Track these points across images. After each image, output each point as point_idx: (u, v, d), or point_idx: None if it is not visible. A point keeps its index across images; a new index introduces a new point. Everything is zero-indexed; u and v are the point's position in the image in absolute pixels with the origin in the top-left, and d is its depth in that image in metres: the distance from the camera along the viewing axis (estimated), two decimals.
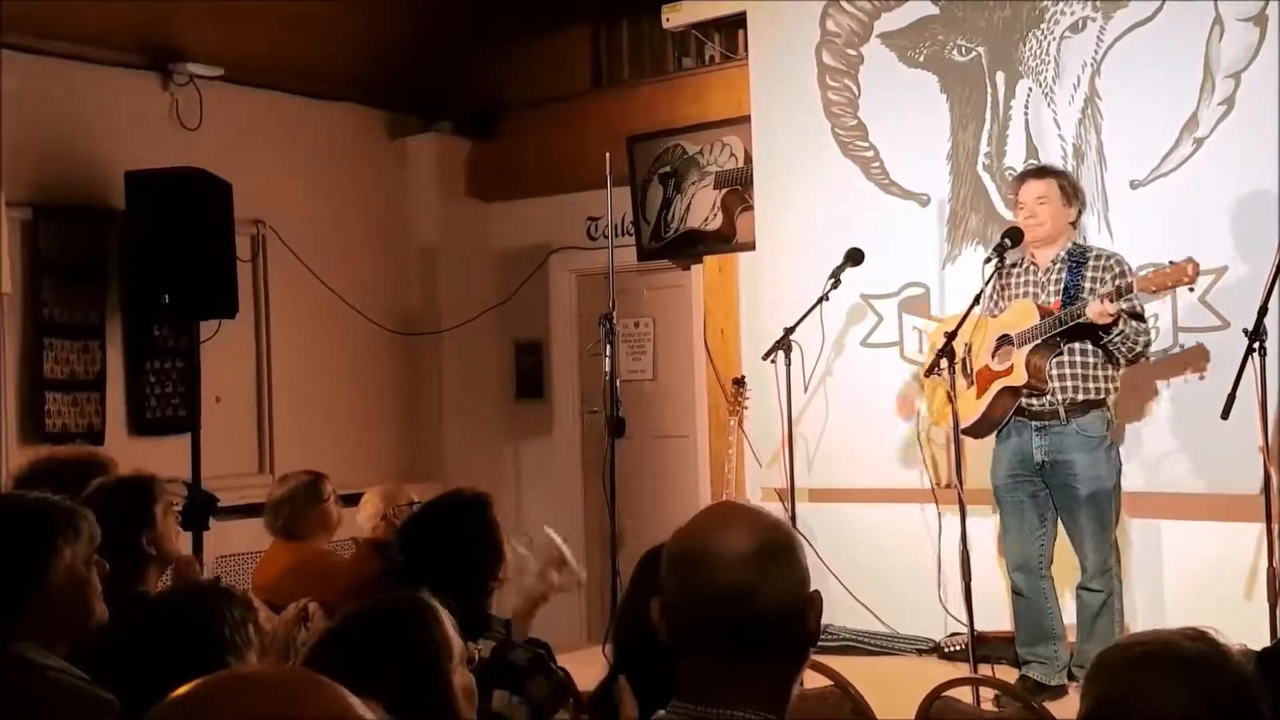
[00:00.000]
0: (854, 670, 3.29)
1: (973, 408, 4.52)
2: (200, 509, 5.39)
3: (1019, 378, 4.43)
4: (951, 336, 4.34)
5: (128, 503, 3.18)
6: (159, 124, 6.12)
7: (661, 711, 1.65)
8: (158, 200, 5.56)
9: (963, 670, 4.41)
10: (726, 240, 6.32)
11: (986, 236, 5.21)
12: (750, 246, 6.07)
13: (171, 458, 5.49)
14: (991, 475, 4.60)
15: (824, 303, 5.20)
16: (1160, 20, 4.93)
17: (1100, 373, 4.42)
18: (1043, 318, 4.40)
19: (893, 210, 5.56)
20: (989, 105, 5.34)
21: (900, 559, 5.43)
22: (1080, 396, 4.42)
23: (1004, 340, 4.53)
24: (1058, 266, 4.51)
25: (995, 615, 4.83)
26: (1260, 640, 3.71)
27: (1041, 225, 4.51)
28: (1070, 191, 4.58)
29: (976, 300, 4.46)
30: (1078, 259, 4.48)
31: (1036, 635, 4.55)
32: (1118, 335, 4.28)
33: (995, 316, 4.61)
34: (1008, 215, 5.14)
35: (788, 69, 5.83)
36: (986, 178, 5.31)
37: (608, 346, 5.40)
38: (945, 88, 5.46)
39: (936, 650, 5.18)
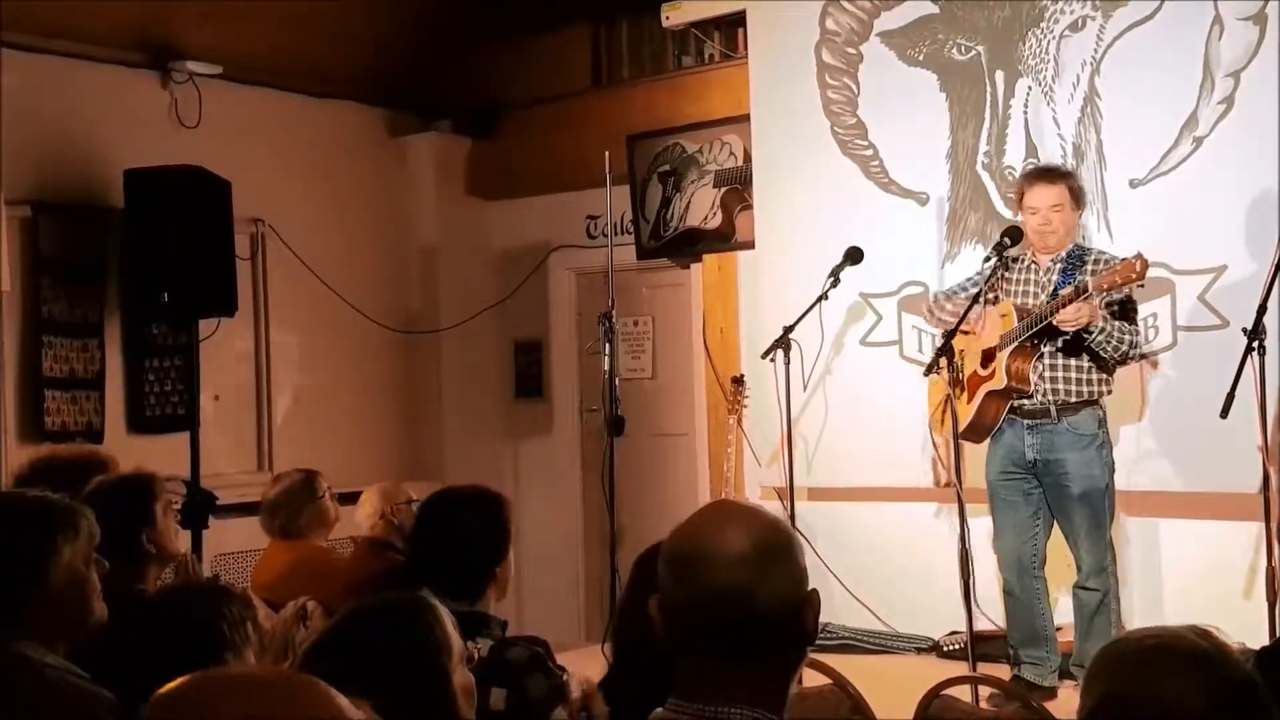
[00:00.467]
0: (853, 669, 3.29)
1: (964, 413, 4.52)
2: (199, 507, 5.39)
3: (999, 381, 4.44)
4: (951, 335, 4.35)
5: (128, 501, 3.18)
6: (158, 122, 6.12)
7: (660, 710, 1.65)
8: (157, 199, 5.56)
9: (961, 669, 4.41)
10: (726, 239, 6.32)
11: (986, 235, 5.21)
12: (749, 245, 6.07)
13: (170, 456, 5.50)
14: (985, 473, 4.60)
15: (823, 301, 5.21)
16: (1160, 19, 4.93)
17: (1092, 374, 4.42)
18: (1020, 319, 4.41)
19: (892, 209, 5.56)
20: (988, 104, 5.34)
21: (899, 558, 5.43)
22: (1073, 398, 4.42)
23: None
24: (1058, 266, 4.50)
25: (995, 615, 4.84)
26: (1260, 639, 3.71)
27: (1055, 233, 4.49)
28: (1078, 195, 4.57)
29: (977, 299, 4.46)
30: (1075, 261, 4.48)
31: (1028, 636, 4.55)
32: (1100, 335, 4.28)
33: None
34: (1007, 214, 5.15)
35: (787, 68, 5.83)
36: (986, 176, 5.31)
37: (607, 345, 5.40)
38: (945, 86, 5.46)
39: (935, 649, 5.19)
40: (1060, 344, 4.39)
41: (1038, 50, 5.21)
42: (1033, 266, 4.57)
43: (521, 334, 7.23)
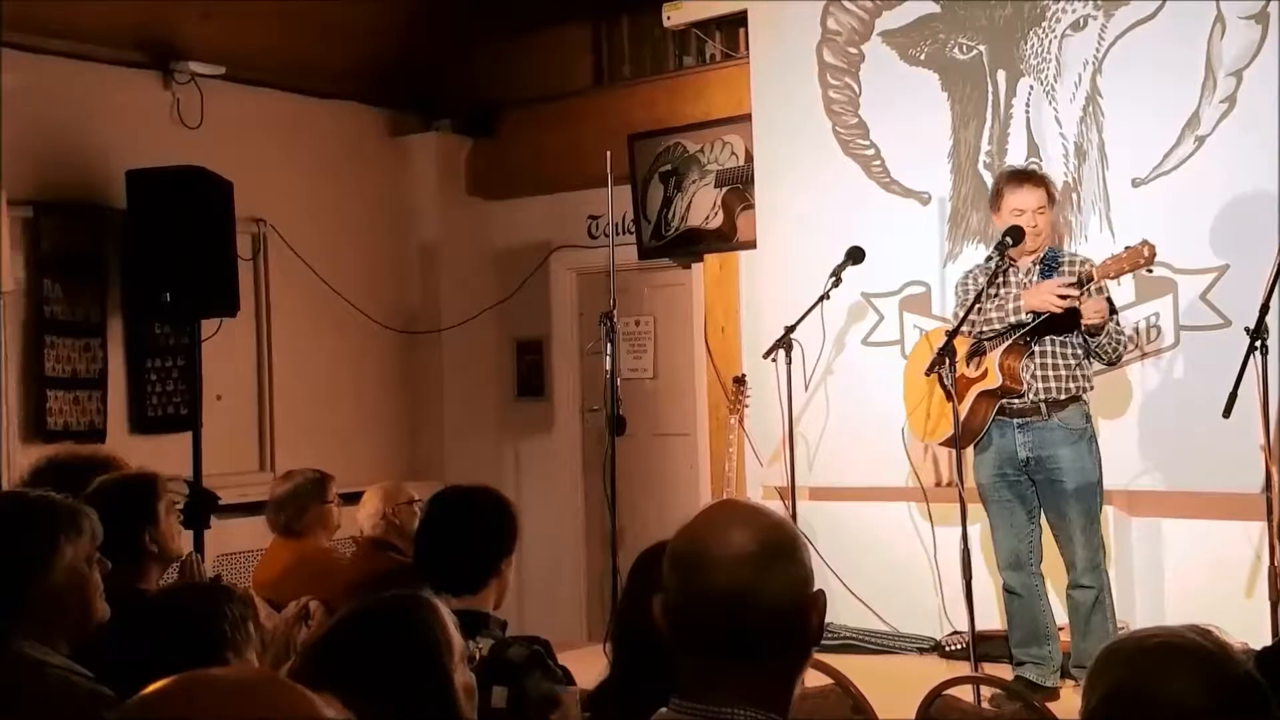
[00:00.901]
0: (854, 669, 3.29)
1: (951, 416, 4.52)
2: (201, 507, 5.40)
3: (993, 380, 4.46)
4: (952, 335, 4.35)
5: (130, 501, 3.18)
6: (160, 122, 6.12)
7: (663, 710, 1.65)
8: (159, 198, 5.57)
9: (963, 669, 4.41)
10: (727, 239, 6.32)
11: (987, 235, 5.20)
12: (751, 245, 6.07)
13: (172, 456, 5.50)
14: (975, 477, 4.59)
15: (825, 301, 5.21)
16: (1161, 18, 4.93)
17: (1077, 371, 4.47)
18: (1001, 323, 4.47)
19: (894, 208, 5.56)
20: (990, 104, 5.34)
21: (901, 558, 5.43)
22: (1062, 395, 4.45)
23: (976, 348, 4.55)
24: (1037, 268, 4.54)
25: (995, 614, 4.83)
26: (1261, 639, 3.71)
27: (1040, 234, 4.55)
28: (1054, 196, 4.67)
29: (978, 298, 4.47)
30: (1051, 262, 4.54)
31: (1030, 635, 4.55)
32: (1105, 338, 4.34)
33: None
34: None
35: (789, 67, 5.83)
36: (987, 176, 5.30)
37: (608, 345, 5.40)
38: (946, 86, 5.46)
39: (937, 649, 5.19)
40: (1051, 340, 4.42)
41: (1039, 49, 5.20)
42: (1012, 269, 4.59)
43: (523, 334, 7.23)
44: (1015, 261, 4.57)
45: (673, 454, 6.68)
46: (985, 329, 4.49)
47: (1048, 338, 4.43)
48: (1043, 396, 4.44)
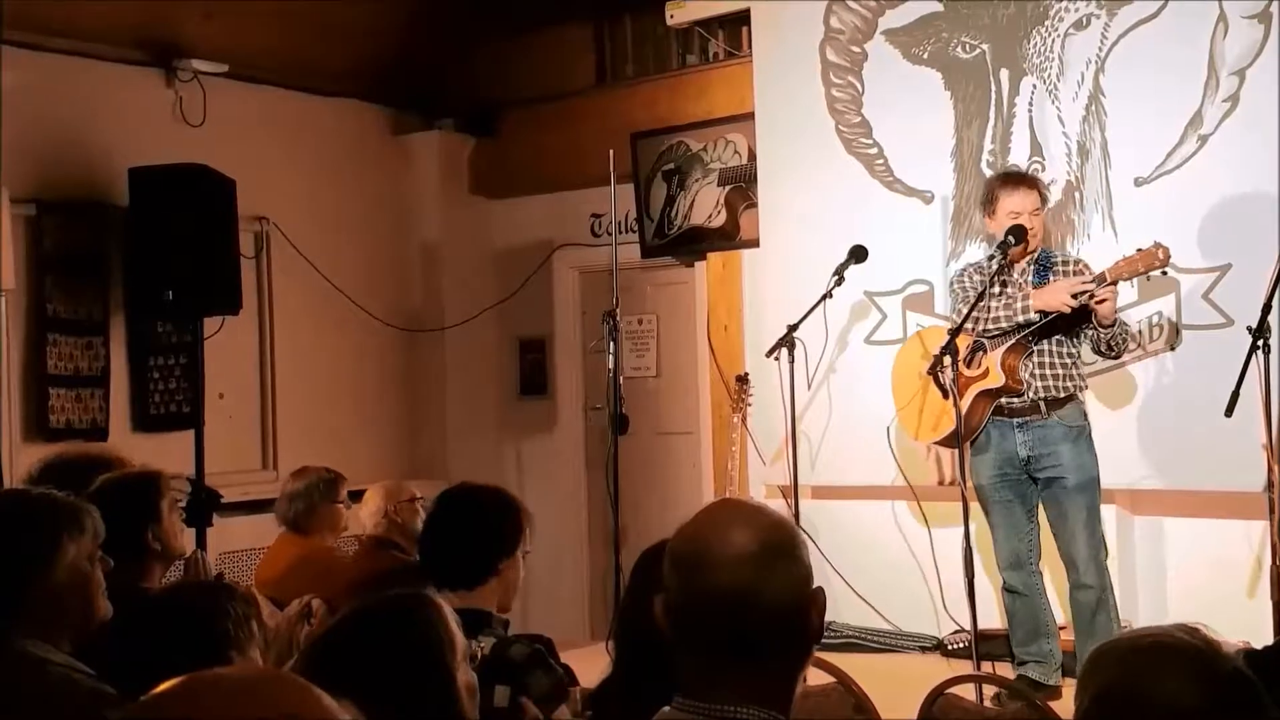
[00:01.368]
0: (857, 667, 3.29)
1: (949, 415, 4.52)
2: (203, 505, 5.39)
3: (996, 380, 4.46)
4: (955, 334, 4.35)
5: (133, 499, 3.19)
6: (163, 120, 6.13)
7: (666, 709, 1.65)
8: (161, 196, 5.57)
9: (965, 668, 4.40)
10: (730, 237, 6.32)
11: (990, 234, 5.20)
12: (754, 243, 6.07)
13: (175, 454, 5.50)
14: (974, 477, 4.59)
15: (828, 300, 5.20)
16: (1164, 17, 4.93)
17: (1074, 369, 4.51)
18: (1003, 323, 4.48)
19: (897, 207, 5.56)
20: (993, 102, 5.34)
21: (903, 556, 5.43)
22: (1061, 393, 4.47)
23: (977, 346, 4.55)
24: (1032, 269, 4.56)
25: (993, 614, 4.83)
26: (1263, 638, 3.71)
27: (1036, 235, 4.58)
28: (1047, 197, 4.72)
29: (980, 297, 4.47)
30: (1044, 263, 4.56)
31: (1032, 633, 4.55)
32: (1117, 329, 4.35)
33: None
34: None
35: (791, 66, 5.83)
36: (990, 175, 5.30)
37: (611, 343, 5.40)
38: (949, 85, 5.45)
39: (939, 648, 5.19)
40: (1049, 340, 4.43)
41: (1042, 48, 5.20)
42: (1008, 269, 4.59)
43: (525, 332, 7.24)
44: (1011, 262, 4.58)
45: (675, 452, 6.68)
46: (991, 327, 4.49)
47: (1046, 338, 4.44)
48: (1042, 395, 4.45)
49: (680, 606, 1.64)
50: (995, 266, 4.54)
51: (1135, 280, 4.73)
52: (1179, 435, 4.82)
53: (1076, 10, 5.12)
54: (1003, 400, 4.49)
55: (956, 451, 4.39)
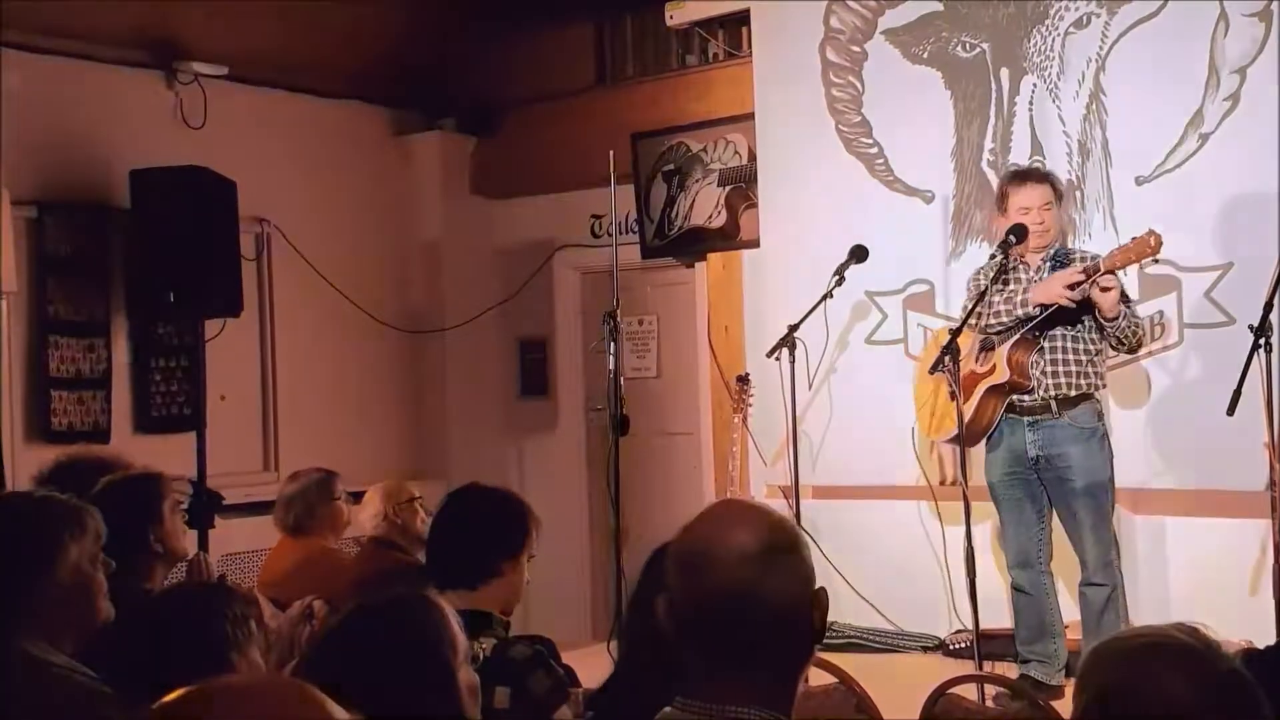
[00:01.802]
0: (858, 667, 3.28)
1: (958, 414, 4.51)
2: (205, 507, 5.39)
3: (1001, 374, 4.45)
4: (956, 333, 4.34)
5: (135, 501, 3.19)
6: (164, 122, 6.13)
7: (668, 708, 1.65)
8: (162, 198, 5.57)
9: (967, 668, 4.40)
10: (730, 238, 6.31)
11: (991, 233, 5.20)
12: (754, 244, 6.07)
13: (176, 456, 5.50)
14: (986, 475, 4.60)
15: (828, 300, 5.19)
16: (1165, 16, 4.93)
17: (1088, 367, 4.46)
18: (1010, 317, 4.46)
19: (897, 207, 5.56)
20: (993, 102, 5.34)
21: (904, 556, 5.42)
22: (1072, 392, 4.44)
23: (985, 343, 4.54)
24: (1047, 266, 4.54)
25: (999, 613, 4.83)
26: (1266, 637, 3.71)
27: (1048, 231, 4.54)
28: (1060, 191, 4.65)
29: (982, 296, 4.46)
30: (1061, 260, 4.53)
31: (1037, 632, 4.55)
32: (1124, 321, 4.32)
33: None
34: None
35: (791, 66, 5.83)
36: (991, 174, 5.30)
37: (611, 344, 5.39)
38: (949, 84, 5.45)
39: (941, 647, 5.19)
40: (1063, 336, 4.41)
41: (1042, 47, 5.20)
42: (1022, 266, 4.58)
43: (526, 333, 7.24)
44: (1024, 259, 4.57)
45: (676, 453, 6.68)
46: (994, 322, 4.49)
47: (1059, 333, 4.42)
48: (1053, 394, 4.43)
49: (682, 606, 1.64)
50: (996, 264, 4.54)
51: (1138, 279, 4.74)
52: (1181, 434, 4.82)
53: (1077, 9, 5.12)
54: (1014, 398, 4.48)
55: (957, 451, 4.39)
